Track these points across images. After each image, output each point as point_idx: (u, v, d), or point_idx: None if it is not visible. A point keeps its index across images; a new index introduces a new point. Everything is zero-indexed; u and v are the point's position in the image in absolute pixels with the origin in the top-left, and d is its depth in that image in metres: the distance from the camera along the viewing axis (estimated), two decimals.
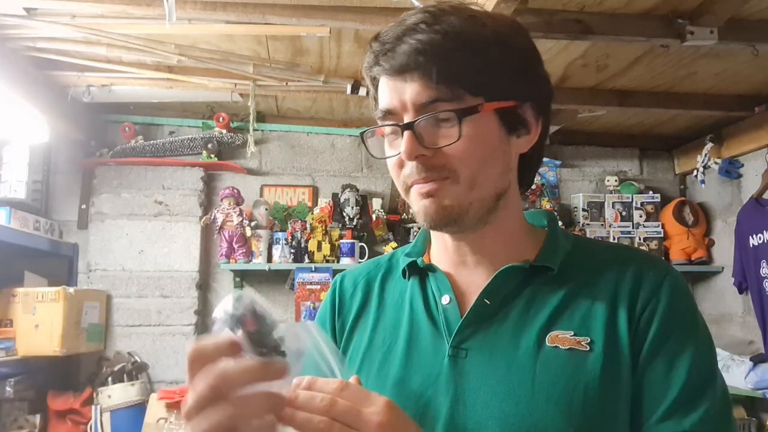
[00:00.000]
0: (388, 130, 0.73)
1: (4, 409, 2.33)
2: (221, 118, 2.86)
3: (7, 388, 2.32)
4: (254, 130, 2.69)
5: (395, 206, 2.97)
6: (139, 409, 2.45)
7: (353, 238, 2.81)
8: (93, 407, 2.42)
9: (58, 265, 2.68)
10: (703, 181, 2.92)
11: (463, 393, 0.68)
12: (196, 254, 2.79)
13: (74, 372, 2.63)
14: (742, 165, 2.82)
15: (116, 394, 2.46)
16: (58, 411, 2.43)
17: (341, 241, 2.79)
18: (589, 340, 0.68)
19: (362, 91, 2.39)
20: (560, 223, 2.58)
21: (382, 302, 0.82)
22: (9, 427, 2.32)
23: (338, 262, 2.76)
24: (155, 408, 2.39)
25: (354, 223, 2.84)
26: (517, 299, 0.72)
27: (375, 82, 0.75)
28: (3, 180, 2.47)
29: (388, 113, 0.71)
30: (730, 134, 2.83)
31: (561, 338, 0.69)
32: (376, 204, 2.93)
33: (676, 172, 3.24)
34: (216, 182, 2.93)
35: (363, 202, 2.90)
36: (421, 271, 0.80)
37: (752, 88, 2.48)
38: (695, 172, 2.95)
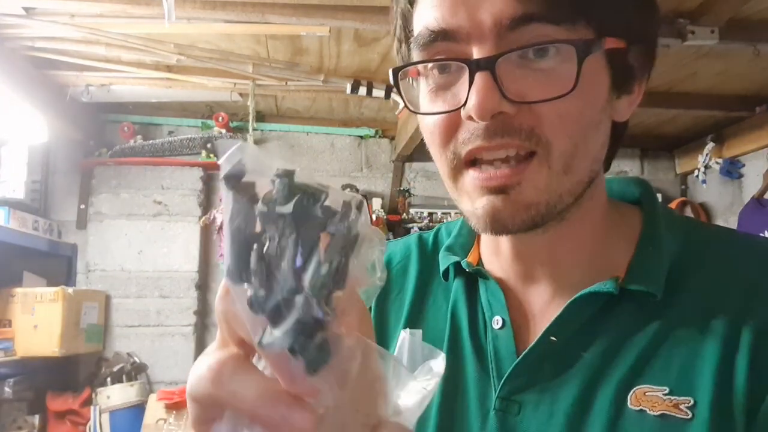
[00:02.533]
0: (437, 68, 0.47)
1: (3, 410, 2.32)
2: (220, 118, 2.85)
3: (6, 389, 2.31)
4: (254, 129, 2.69)
5: (395, 206, 2.97)
6: (138, 409, 2.44)
7: None
8: (92, 408, 2.41)
9: (57, 265, 2.68)
10: (704, 181, 2.91)
11: None
12: (196, 254, 2.78)
13: (73, 372, 2.62)
14: (743, 165, 2.81)
15: (115, 395, 2.46)
16: (57, 412, 2.43)
17: None
18: (691, 402, 0.46)
19: (362, 91, 2.38)
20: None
21: (419, 303, 0.61)
22: (8, 427, 2.31)
23: None
24: (154, 408, 2.38)
25: None
26: (595, 336, 0.50)
27: None
28: (2, 180, 2.46)
29: (444, 37, 0.45)
30: (731, 134, 2.82)
31: (650, 398, 0.47)
32: (376, 204, 2.93)
33: (677, 172, 3.23)
34: (215, 182, 2.92)
35: None
36: (468, 273, 0.58)
37: (753, 88, 2.48)
38: (696, 172, 2.94)
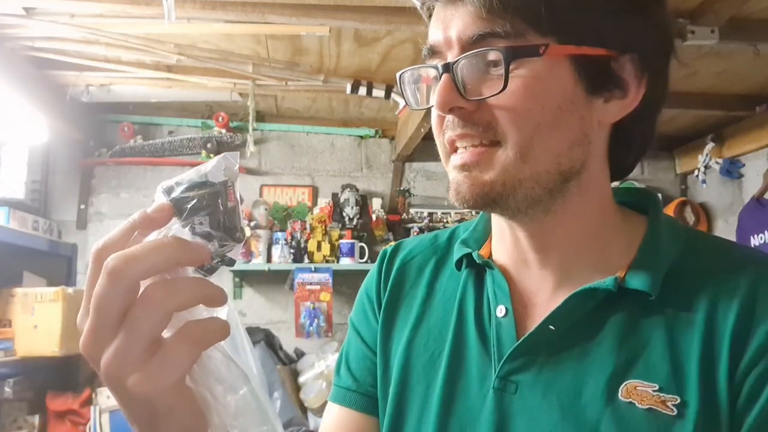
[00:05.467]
0: (429, 74, 0.57)
1: (3, 410, 2.32)
2: (220, 118, 2.85)
3: (6, 389, 2.31)
4: (254, 129, 2.68)
5: (395, 206, 2.97)
6: None
7: (353, 238, 2.80)
8: (92, 408, 2.41)
9: (57, 265, 2.67)
10: (704, 181, 2.91)
11: None
12: None
13: (73, 372, 2.62)
14: (743, 165, 2.81)
15: None
16: (57, 411, 2.43)
17: (341, 241, 2.78)
18: (678, 400, 0.49)
19: (362, 91, 2.39)
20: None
21: (431, 295, 0.66)
22: (8, 427, 2.31)
23: (338, 262, 2.75)
24: None
25: (354, 223, 2.83)
26: (592, 329, 0.54)
27: (429, 12, 0.58)
28: (2, 180, 2.46)
29: (432, 52, 0.56)
30: (731, 134, 2.82)
31: (640, 392, 0.51)
32: (375, 204, 2.93)
33: (677, 172, 3.23)
34: None
35: (363, 202, 2.89)
36: (478, 265, 0.63)
37: (753, 88, 2.48)
38: (696, 172, 2.94)
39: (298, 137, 3.03)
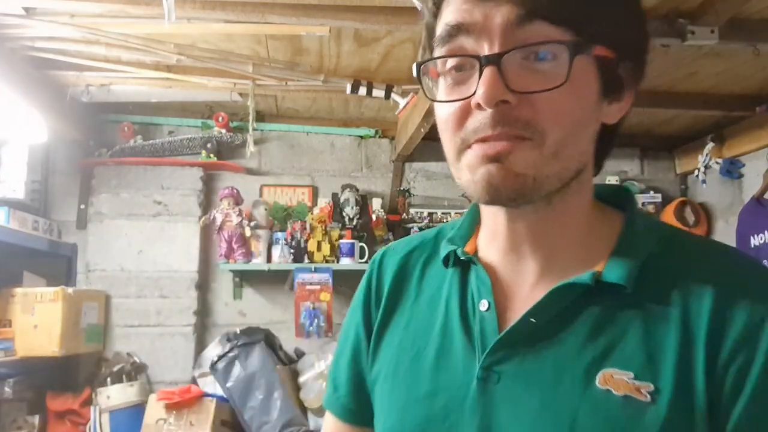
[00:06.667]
0: (452, 62, 0.55)
1: (3, 410, 2.32)
2: (220, 118, 2.85)
3: (6, 389, 2.31)
4: (254, 129, 2.68)
5: (395, 206, 2.97)
6: (138, 409, 2.44)
7: (353, 238, 2.80)
8: (92, 408, 2.42)
9: (57, 265, 2.68)
10: (704, 181, 2.92)
11: (490, 426, 0.57)
12: (196, 254, 2.78)
13: (73, 372, 2.62)
14: (743, 165, 2.81)
15: (115, 395, 2.46)
16: (57, 411, 2.43)
17: (341, 241, 2.78)
18: (652, 388, 0.52)
19: (362, 91, 2.38)
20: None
21: (419, 294, 0.69)
22: (8, 427, 2.32)
23: (338, 262, 2.75)
24: (154, 408, 2.38)
25: (354, 223, 2.83)
26: (571, 322, 0.57)
27: (438, 1, 0.57)
28: (2, 180, 2.46)
29: (459, 32, 0.53)
30: (731, 134, 2.82)
31: (616, 380, 0.53)
32: (376, 204, 2.92)
33: (677, 172, 3.23)
34: (215, 182, 2.92)
35: (363, 202, 2.89)
36: (463, 262, 0.66)
37: (753, 88, 2.48)
38: (696, 172, 2.94)
39: (298, 137, 3.03)
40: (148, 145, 2.82)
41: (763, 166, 2.64)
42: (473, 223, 0.69)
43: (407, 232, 2.88)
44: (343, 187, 2.90)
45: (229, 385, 2.41)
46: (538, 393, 0.55)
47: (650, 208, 3.04)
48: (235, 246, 2.70)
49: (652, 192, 3.10)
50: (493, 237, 0.64)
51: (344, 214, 2.84)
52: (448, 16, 0.55)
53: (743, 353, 0.51)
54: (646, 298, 0.55)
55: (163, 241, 2.77)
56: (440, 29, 0.56)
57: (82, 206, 2.77)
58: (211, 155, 2.84)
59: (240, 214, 2.70)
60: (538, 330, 0.57)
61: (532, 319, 0.58)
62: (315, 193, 2.99)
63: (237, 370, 2.42)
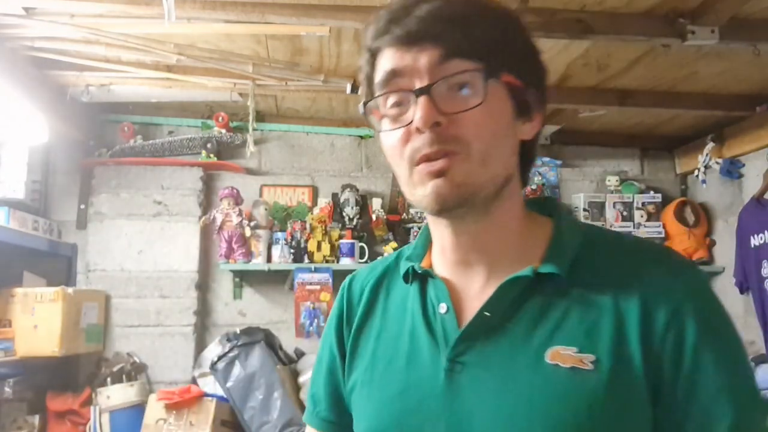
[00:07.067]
0: (392, 101, 0.67)
1: (3, 410, 2.32)
2: (220, 118, 2.85)
3: (6, 389, 2.31)
4: (253, 129, 2.68)
5: (395, 206, 2.96)
6: (138, 409, 2.44)
7: (353, 238, 2.80)
8: (92, 408, 2.42)
9: (57, 265, 2.68)
10: (704, 181, 2.91)
11: (459, 409, 0.66)
12: (195, 254, 2.78)
13: (73, 372, 2.62)
14: (743, 165, 2.81)
15: (115, 395, 2.46)
16: (57, 411, 2.43)
17: (341, 241, 2.78)
18: (593, 358, 0.62)
19: (362, 91, 2.38)
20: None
21: (386, 310, 0.78)
22: (8, 427, 2.32)
23: (338, 262, 2.75)
24: (154, 408, 2.38)
25: (354, 223, 2.83)
26: (519, 311, 0.67)
27: (375, 52, 0.69)
28: (2, 180, 2.46)
29: (394, 76, 0.66)
30: (731, 134, 2.82)
31: (563, 355, 0.63)
32: (376, 204, 2.92)
33: (677, 172, 3.23)
34: (215, 182, 2.92)
35: (363, 202, 2.89)
36: (421, 276, 0.76)
37: (753, 88, 2.48)
38: (696, 172, 2.94)
39: (298, 137, 3.03)
40: (148, 145, 2.82)
41: (763, 166, 2.64)
42: (426, 242, 0.79)
43: (407, 232, 2.88)
44: (343, 187, 2.90)
45: (229, 385, 2.41)
46: (497, 374, 0.65)
47: (650, 209, 3.04)
48: (235, 246, 2.70)
49: (652, 192, 3.10)
50: (443, 252, 0.74)
51: (344, 214, 2.84)
52: (385, 64, 0.67)
53: (673, 330, 0.62)
54: (580, 286, 0.66)
55: (163, 241, 2.77)
56: (379, 76, 0.68)
57: (82, 206, 2.77)
58: (211, 155, 2.84)
59: (240, 214, 2.70)
60: (492, 322, 0.67)
61: (486, 313, 0.67)
62: (315, 193, 2.99)
63: (237, 370, 2.42)
